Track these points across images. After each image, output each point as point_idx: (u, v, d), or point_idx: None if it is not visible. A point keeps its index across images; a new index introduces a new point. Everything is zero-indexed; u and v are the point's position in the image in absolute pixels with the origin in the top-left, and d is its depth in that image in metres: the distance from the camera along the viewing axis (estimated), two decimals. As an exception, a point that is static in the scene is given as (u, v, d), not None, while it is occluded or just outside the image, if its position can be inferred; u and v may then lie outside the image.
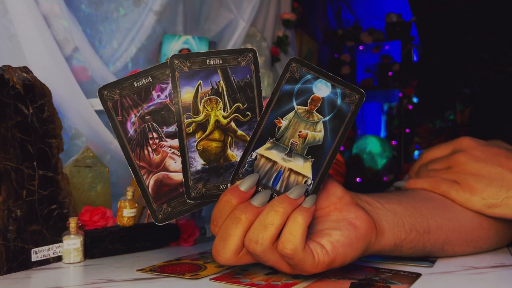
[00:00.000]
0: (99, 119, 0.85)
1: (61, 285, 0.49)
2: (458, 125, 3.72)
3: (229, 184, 0.47)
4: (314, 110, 0.45)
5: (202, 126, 0.48)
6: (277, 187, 0.45)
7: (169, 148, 0.48)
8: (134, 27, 1.00)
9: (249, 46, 1.50)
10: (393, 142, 3.70)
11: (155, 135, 0.49)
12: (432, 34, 3.99)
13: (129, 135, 0.48)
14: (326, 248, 0.44)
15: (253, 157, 0.45)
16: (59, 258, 0.59)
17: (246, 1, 1.56)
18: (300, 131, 0.45)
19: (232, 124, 0.48)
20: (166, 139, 0.49)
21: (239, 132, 0.48)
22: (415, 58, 3.85)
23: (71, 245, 0.58)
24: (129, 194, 0.67)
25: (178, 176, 0.48)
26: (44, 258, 0.57)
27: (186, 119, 0.48)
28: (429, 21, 3.94)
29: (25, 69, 0.61)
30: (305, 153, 0.45)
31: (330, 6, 3.54)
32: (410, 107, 3.61)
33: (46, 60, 0.77)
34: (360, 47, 3.75)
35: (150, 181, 0.48)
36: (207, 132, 0.48)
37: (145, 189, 0.48)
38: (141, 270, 0.54)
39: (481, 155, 0.60)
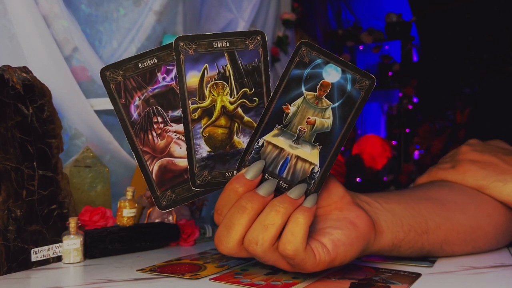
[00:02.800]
0: (99, 119, 0.85)
1: (61, 285, 0.49)
2: (458, 125, 3.72)
3: (235, 172, 0.46)
4: (323, 96, 0.44)
5: (208, 112, 0.46)
6: (284, 175, 0.45)
7: (174, 133, 0.47)
8: (134, 27, 1.00)
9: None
10: (393, 142, 3.70)
11: (160, 119, 0.47)
12: (432, 34, 3.99)
13: (133, 119, 0.47)
14: (328, 247, 0.44)
15: (260, 144, 0.44)
16: (59, 258, 0.59)
17: (246, 1, 1.56)
18: (309, 118, 0.44)
19: (239, 110, 0.47)
20: (171, 124, 0.47)
21: (246, 118, 0.47)
22: (415, 58, 3.85)
23: (71, 245, 0.58)
24: (129, 194, 0.67)
25: (183, 162, 0.47)
26: (44, 258, 0.57)
27: (192, 104, 0.46)
28: (429, 21, 3.94)
29: (25, 69, 0.61)
30: (313, 140, 0.44)
31: (330, 6, 3.54)
32: (410, 107, 3.61)
33: (45, 60, 0.77)
34: (360, 47, 3.75)
35: (154, 167, 0.47)
36: (213, 118, 0.46)
37: (149, 175, 0.47)
38: (141, 270, 0.54)
39: (481, 148, 0.63)
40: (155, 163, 0.47)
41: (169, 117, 0.47)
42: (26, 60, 0.76)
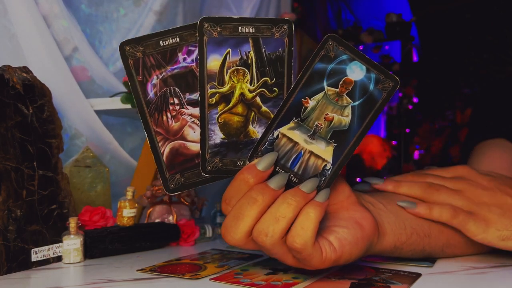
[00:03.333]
0: (99, 119, 0.85)
1: (61, 285, 0.49)
2: (458, 125, 3.72)
3: (247, 161, 0.45)
4: (345, 93, 0.43)
5: (225, 98, 0.45)
6: (295, 169, 0.44)
7: (190, 117, 0.46)
8: (134, 27, 1.00)
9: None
10: (393, 142, 3.70)
11: (176, 101, 0.45)
12: (432, 34, 3.99)
13: (149, 97, 0.45)
14: (334, 245, 0.44)
15: (275, 135, 0.44)
16: (59, 258, 0.59)
17: (246, 1, 1.56)
18: (327, 114, 0.43)
19: (257, 99, 0.45)
20: (187, 107, 0.46)
21: (264, 108, 0.46)
22: (415, 58, 3.85)
23: (71, 245, 0.58)
24: (129, 194, 0.67)
25: (195, 147, 0.46)
26: (44, 258, 0.57)
27: (210, 89, 0.45)
28: (429, 21, 3.94)
29: (25, 69, 0.61)
30: (328, 137, 0.44)
31: (330, 6, 3.54)
32: (410, 107, 3.61)
33: (45, 60, 0.77)
34: (360, 47, 3.75)
35: (166, 149, 0.46)
36: (230, 105, 0.45)
37: (159, 157, 0.45)
38: (141, 270, 0.54)
39: (488, 184, 0.56)
40: (167, 145, 0.46)
41: (185, 99, 0.45)
42: (26, 60, 0.76)
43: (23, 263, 0.54)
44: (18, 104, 0.58)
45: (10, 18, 0.75)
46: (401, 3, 3.96)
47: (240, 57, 0.45)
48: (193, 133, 0.46)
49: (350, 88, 0.43)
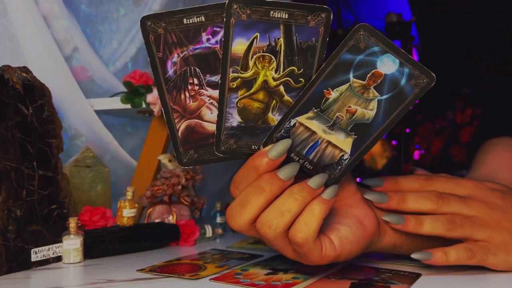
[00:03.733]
0: (98, 119, 0.85)
1: (61, 285, 0.49)
2: (458, 125, 3.72)
3: (261, 146, 0.44)
4: (372, 86, 0.41)
5: (247, 83, 0.43)
6: (311, 157, 0.43)
7: (208, 98, 0.44)
8: (134, 27, 1.00)
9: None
10: (393, 142, 3.70)
11: (195, 81, 0.44)
12: (432, 34, 3.99)
13: (168, 75, 0.44)
14: (335, 243, 0.44)
15: (291, 124, 0.42)
16: (59, 258, 0.59)
17: (246, 1, 1.56)
18: (350, 106, 0.41)
19: (281, 87, 0.43)
20: (207, 88, 0.44)
21: (286, 97, 0.43)
22: (415, 58, 3.84)
23: (71, 245, 0.58)
24: (129, 194, 0.67)
25: (211, 127, 0.45)
26: (44, 258, 0.57)
27: (232, 73, 0.43)
28: (429, 21, 3.94)
29: (25, 69, 0.61)
30: (349, 129, 0.42)
31: (330, 6, 3.54)
32: (410, 107, 3.61)
33: (45, 60, 0.77)
34: (360, 47, 3.74)
35: (181, 126, 0.45)
36: (251, 91, 0.43)
37: (175, 132, 0.45)
38: (141, 270, 0.54)
39: (502, 203, 0.52)
40: (183, 122, 0.45)
41: (205, 80, 0.44)
42: (26, 60, 0.76)
43: (23, 263, 0.54)
44: (18, 104, 0.58)
45: (10, 18, 0.75)
46: (401, 3, 3.96)
47: (268, 43, 0.42)
48: (210, 114, 0.45)
49: (378, 82, 0.41)
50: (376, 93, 0.41)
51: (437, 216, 0.49)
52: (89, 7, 0.96)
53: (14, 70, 0.59)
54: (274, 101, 0.44)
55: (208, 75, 0.44)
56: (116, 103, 0.83)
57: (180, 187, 0.77)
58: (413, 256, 0.49)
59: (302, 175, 0.44)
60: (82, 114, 0.83)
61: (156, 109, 0.80)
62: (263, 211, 0.42)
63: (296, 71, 0.43)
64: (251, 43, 0.42)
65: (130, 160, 0.92)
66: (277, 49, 0.42)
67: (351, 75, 0.41)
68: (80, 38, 0.86)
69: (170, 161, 0.84)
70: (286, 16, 0.41)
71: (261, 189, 0.42)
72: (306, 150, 0.43)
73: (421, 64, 0.41)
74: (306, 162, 0.43)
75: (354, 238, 0.45)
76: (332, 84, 0.41)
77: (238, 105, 0.43)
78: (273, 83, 0.43)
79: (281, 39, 0.42)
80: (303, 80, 0.43)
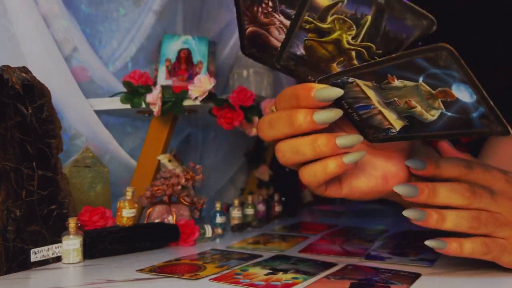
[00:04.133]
0: (98, 119, 0.85)
1: (61, 285, 0.49)
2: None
3: (311, 78, 0.43)
4: (440, 99, 0.37)
5: (320, 32, 0.40)
6: (360, 112, 0.42)
7: (279, 22, 0.43)
8: (134, 27, 1.00)
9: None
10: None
11: (270, 4, 0.42)
12: (432, 34, 3.98)
13: None
14: (343, 190, 0.46)
15: (349, 80, 0.40)
16: (58, 259, 0.59)
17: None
18: (410, 100, 0.39)
19: (353, 52, 0.40)
20: (280, 15, 0.42)
21: (355, 62, 0.41)
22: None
23: (71, 245, 0.58)
24: (129, 194, 0.67)
25: (276, 43, 0.43)
26: (44, 258, 0.57)
27: (308, 16, 0.39)
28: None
29: (24, 69, 0.61)
30: (403, 115, 0.40)
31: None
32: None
33: (45, 60, 0.77)
34: (360, 47, 3.74)
35: (249, 28, 0.44)
36: (322, 40, 0.40)
37: (242, 25, 0.44)
38: (141, 270, 0.54)
39: None
40: (251, 25, 0.44)
41: (280, 8, 0.42)
42: (26, 60, 0.75)
43: (22, 263, 0.54)
44: (17, 104, 0.58)
45: (10, 18, 0.75)
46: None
47: (354, 12, 0.38)
48: (278, 34, 0.43)
49: (448, 100, 0.37)
50: (442, 106, 0.38)
51: (461, 213, 0.47)
52: (89, 7, 0.96)
53: (14, 70, 0.59)
54: (342, 58, 0.41)
55: (283, 6, 0.42)
56: (116, 103, 0.83)
57: (179, 187, 0.77)
58: (427, 243, 0.47)
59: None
60: (81, 114, 0.83)
61: (156, 109, 0.80)
62: (283, 140, 0.44)
63: (374, 50, 0.40)
64: (335, 3, 0.38)
65: (130, 160, 0.92)
66: (361, 22, 0.39)
67: (421, 79, 0.37)
68: (80, 38, 0.86)
69: (169, 161, 0.84)
70: (383, 2, 0.37)
71: (292, 121, 0.42)
72: (358, 105, 0.42)
73: (499, 113, 0.36)
74: (355, 114, 0.43)
75: (367, 189, 0.46)
76: (398, 75, 0.38)
77: (306, 43, 0.41)
78: (346, 46, 0.40)
79: (369, 17, 0.38)
80: (377, 59, 0.39)
